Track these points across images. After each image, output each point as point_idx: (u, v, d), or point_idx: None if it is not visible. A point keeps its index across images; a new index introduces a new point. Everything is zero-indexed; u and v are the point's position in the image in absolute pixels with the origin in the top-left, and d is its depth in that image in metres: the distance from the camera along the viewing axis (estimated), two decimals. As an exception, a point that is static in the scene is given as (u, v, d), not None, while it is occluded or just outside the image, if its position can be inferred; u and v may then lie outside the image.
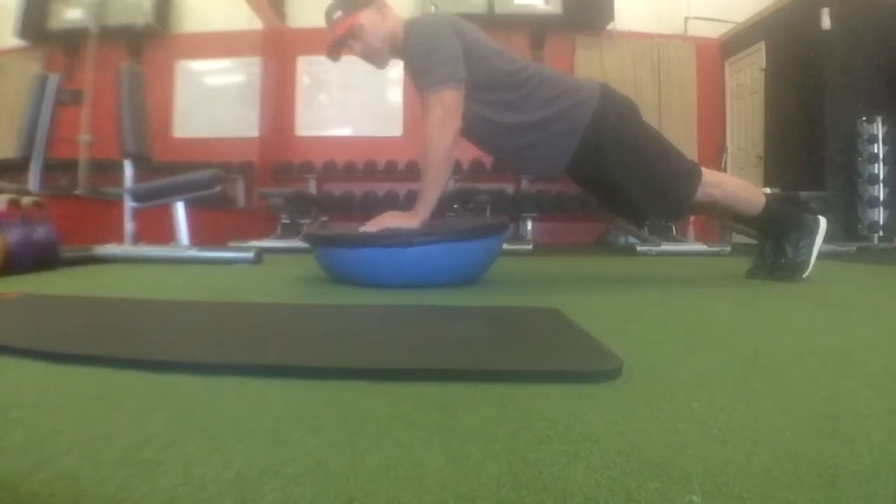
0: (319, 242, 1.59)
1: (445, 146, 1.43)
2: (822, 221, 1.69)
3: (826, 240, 1.73)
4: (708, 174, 1.61)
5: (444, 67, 1.42)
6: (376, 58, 1.57)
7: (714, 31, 6.20)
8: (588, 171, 1.62)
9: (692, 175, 1.58)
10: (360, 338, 0.82)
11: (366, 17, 1.52)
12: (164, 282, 1.69)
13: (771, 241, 1.76)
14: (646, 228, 4.14)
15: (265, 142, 5.72)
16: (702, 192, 1.59)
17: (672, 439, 0.44)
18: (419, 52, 1.47)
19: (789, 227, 1.69)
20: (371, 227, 1.47)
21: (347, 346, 0.75)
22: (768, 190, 1.79)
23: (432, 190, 1.46)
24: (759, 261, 1.81)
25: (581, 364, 0.65)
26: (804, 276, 1.64)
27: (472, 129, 1.54)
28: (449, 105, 1.42)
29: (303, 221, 4.46)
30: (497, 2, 5.66)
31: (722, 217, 1.91)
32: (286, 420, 0.48)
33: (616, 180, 1.55)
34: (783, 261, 1.70)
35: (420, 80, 1.46)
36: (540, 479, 0.36)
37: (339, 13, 1.53)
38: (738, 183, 1.71)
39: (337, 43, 1.55)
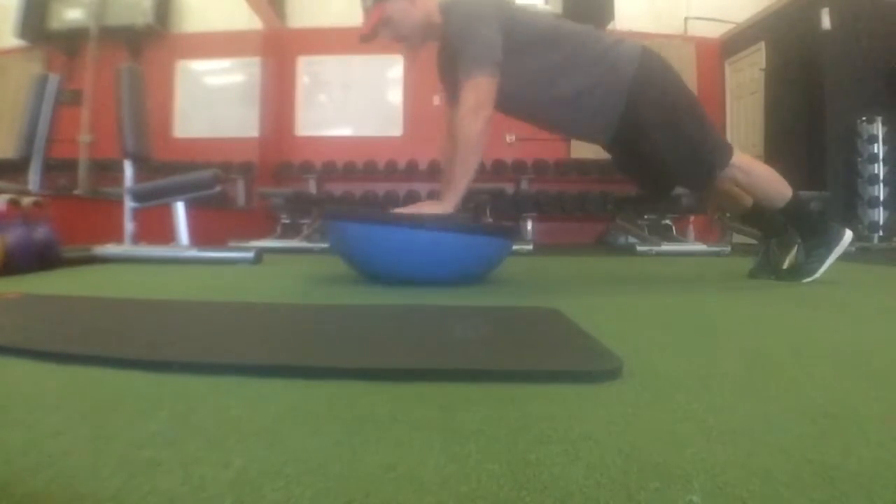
0: (341, 218, 1.59)
1: (476, 131, 1.43)
2: (847, 235, 1.62)
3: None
4: (738, 156, 1.57)
5: (482, 53, 1.43)
6: (407, 44, 1.59)
7: (714, 31, 6.21)
8: (624, 133, 1.59)
9: (724, 149, 1.56)
10: (360, 338, 0.82)
11: (394, 7, 1.53)
12: (164, 282, 1.69)
13: (777, 240, 1.73)
14: (645, 228, 4.14)
15: (265, 142, 5.72)
16: (729, 172, 1.56)
17: (672, 439, 0.44)
18: (459, 35, 1.48)
19: (811, 229, 1.64)
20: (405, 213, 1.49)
21: (347, 346, 0.75)
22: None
23: (462, 175, 1.45)
24: (762, 260, 1.79)
25: (581, 364, 0.65)
26: (807, 281, 1.62)
27: (520, 100, 1.54)
28: (482, 92, 1.43)
29: (303, 221, 4.46)
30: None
31: (734, 209, 1.85)
32: (286, 420, 0.48)
33: (651, 141, 1.53)
34: (790, 263, 1.68)
35: (458, 64, 1.47)
36: (540, 479, 0.36)
37: (370, 2, 1.55)
38: (766, 171, 1.64)
39: (367, 34, 1.57)
